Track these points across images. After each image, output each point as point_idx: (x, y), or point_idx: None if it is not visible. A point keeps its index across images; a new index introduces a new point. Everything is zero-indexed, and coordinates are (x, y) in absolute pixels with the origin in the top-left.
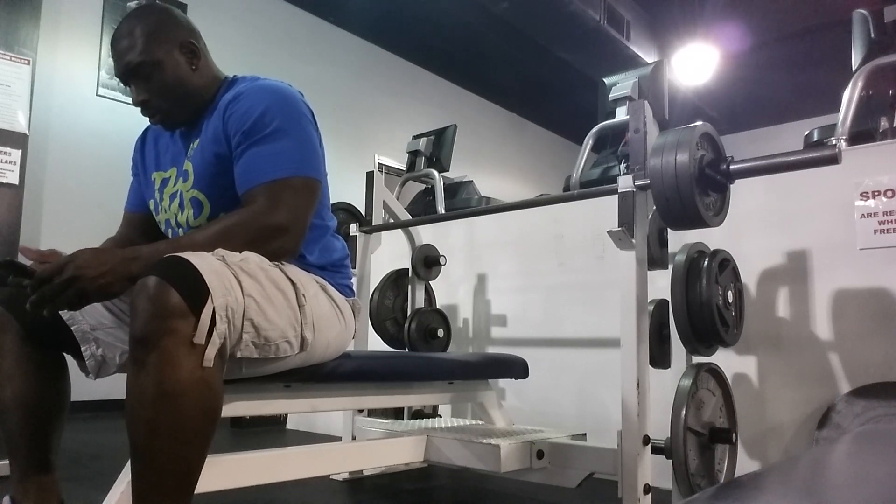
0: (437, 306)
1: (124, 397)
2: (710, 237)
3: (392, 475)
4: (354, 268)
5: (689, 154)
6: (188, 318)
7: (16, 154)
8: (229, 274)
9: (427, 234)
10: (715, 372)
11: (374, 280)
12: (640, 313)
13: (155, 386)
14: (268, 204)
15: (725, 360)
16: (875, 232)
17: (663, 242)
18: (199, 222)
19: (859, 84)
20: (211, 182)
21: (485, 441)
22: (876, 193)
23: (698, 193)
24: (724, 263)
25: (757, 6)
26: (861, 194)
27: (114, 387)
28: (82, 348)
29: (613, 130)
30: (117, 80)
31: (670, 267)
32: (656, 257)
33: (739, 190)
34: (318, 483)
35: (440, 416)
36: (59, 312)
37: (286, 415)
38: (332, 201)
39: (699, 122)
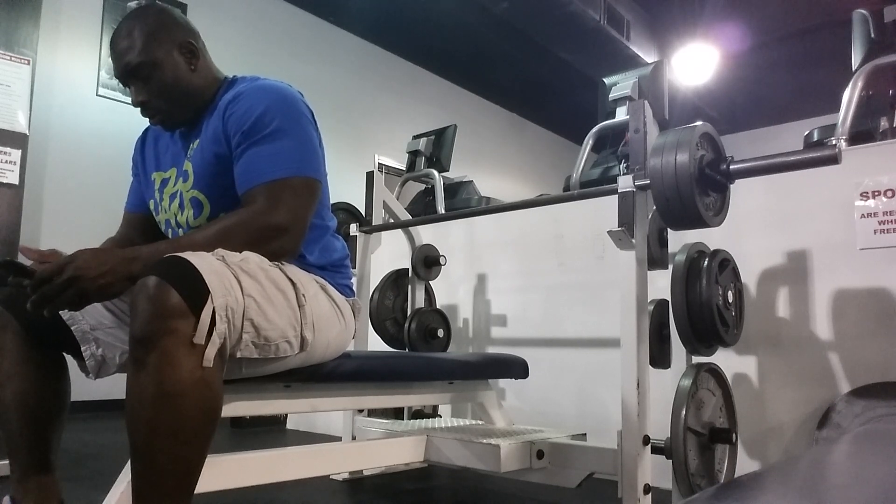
0: (437, 306)
1: (124, 397)
2: (710, 237)
3: (392, 475)
4: (354, 268)
5: (689, 154)
6: (188, 318)
7: (16, 154)
8: (229, 274)
9: (427, 234)
10: (715, 372)
11: (374, 280)
12: (640, 313)
13: (155, 386)
14: (268, 204)
15: (725, 360)
16: (875, 232)
17: (663, 242)
18: (199, 222)
19: (859, 84)
20: (211, 182)
21: (485, 441)
22: (876, 193)
23: (698, 193)
24: (724, 263)
25: (757, 6)
26: (861, 194)
27: (114, 387)
28: (82, 348)
29: (613, 130)
30: (117, 80)
31: (670, 267)
32: (656, 257)
33: (739, 190)
34: (318, 483)
35: (440, 416)
36: (59, 312)
37: (286, 415)
38: (332, 201)
39: (699, 122)
